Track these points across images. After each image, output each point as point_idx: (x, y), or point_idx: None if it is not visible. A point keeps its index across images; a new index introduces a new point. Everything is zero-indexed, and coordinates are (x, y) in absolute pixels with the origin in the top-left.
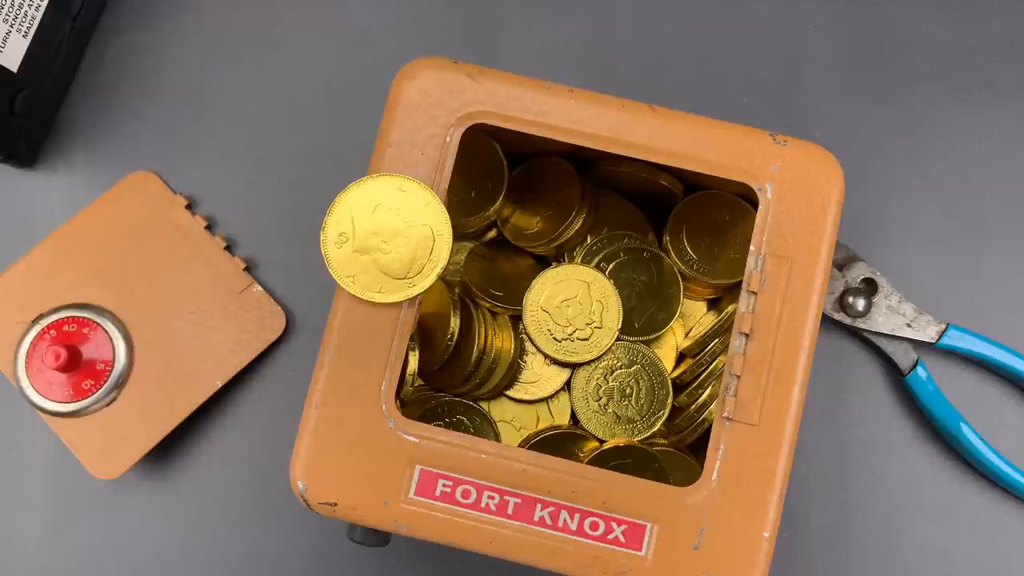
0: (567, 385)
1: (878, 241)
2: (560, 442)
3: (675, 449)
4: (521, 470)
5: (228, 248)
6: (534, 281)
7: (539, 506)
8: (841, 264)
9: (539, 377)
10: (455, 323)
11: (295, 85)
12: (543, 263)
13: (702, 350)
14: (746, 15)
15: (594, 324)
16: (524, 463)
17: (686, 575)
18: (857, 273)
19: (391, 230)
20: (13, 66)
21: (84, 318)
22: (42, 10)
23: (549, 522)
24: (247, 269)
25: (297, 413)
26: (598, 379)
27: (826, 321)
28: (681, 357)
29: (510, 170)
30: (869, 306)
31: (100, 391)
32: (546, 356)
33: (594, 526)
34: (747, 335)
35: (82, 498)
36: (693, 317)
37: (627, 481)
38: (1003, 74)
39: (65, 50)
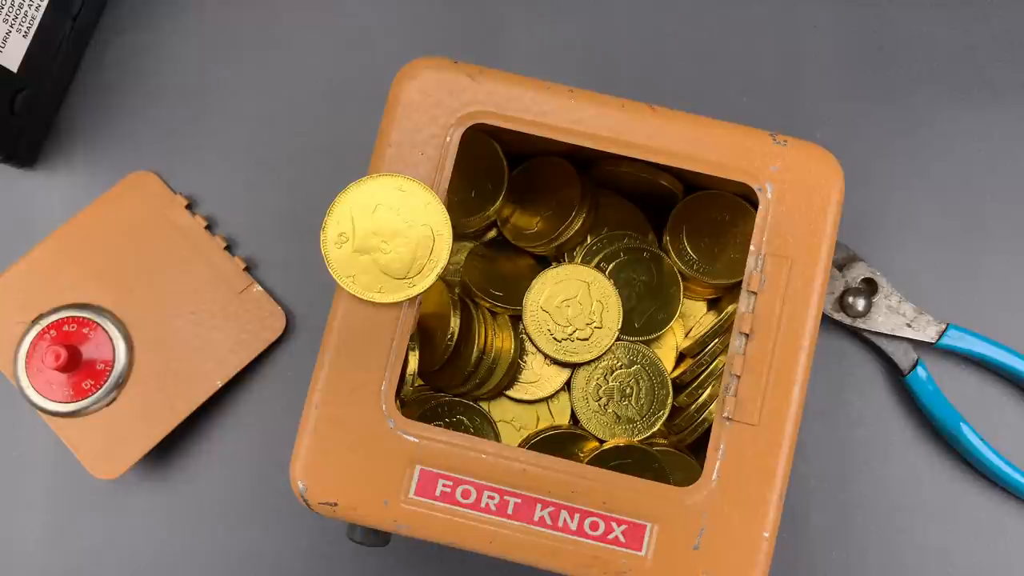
0: (567, 385)
1: (878, 241)
2: (560, 442)
3: (675, 449)
4: (521, 470)
5: (228, 248)
6: (534, 281)
7: (539, 506)
8: (841, 264)
9: (539, 377)
10: (455, 323)
11: (295, 85)
12: (543, 263)
13: (702, 350)
14: (746, 15)
15: (594, 324)
16: (524, 463)
17: (686, 575)
18: (857, 273)
19: (391, 230)
20: (13, 66)
21: (84, 318)
22: (42, 10)
23: (549, 522)
24: (247, 269)
25: (297, 413)
26: (598, 379)
27: (826, 321)
28: (681, 357)
29: (510, 170)
30: (869, 306)
31: (100, 391)
32: (546, 356)
33: (594, 526)
34: (747, 335)
35: (82, 498)
36: (693, 317)
37: (627, 481)
38: (1003, 74)
39: (65, 50)
